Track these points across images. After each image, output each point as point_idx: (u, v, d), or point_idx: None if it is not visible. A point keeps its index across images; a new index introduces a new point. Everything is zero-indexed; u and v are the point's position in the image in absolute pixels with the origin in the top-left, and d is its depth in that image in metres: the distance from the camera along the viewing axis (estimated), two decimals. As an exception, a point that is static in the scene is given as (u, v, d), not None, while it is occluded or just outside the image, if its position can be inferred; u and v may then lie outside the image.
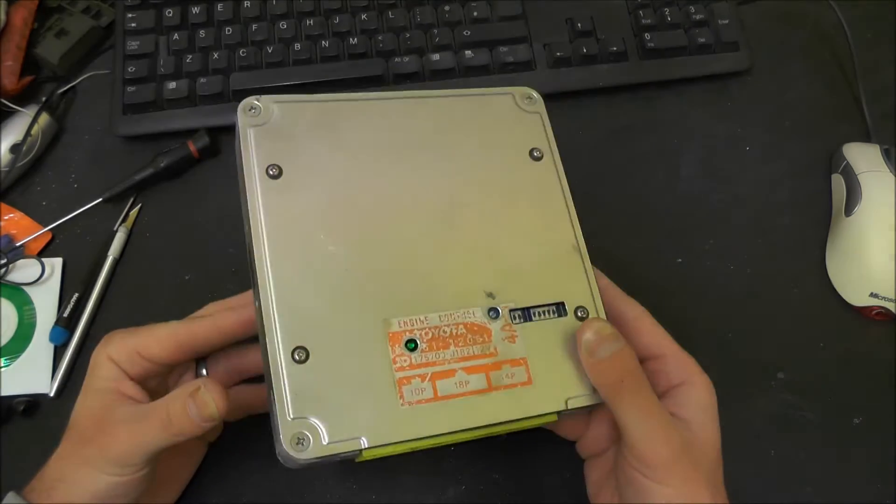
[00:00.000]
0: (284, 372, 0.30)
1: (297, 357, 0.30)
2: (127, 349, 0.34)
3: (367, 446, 0.29)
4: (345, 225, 0.33)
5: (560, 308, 0.34)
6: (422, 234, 0.34)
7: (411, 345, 0.32)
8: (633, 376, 0.31)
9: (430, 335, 0.32)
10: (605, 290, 0.35)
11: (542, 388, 0.32)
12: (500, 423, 0.32)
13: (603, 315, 0.34)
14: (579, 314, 0.34)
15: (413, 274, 0.33)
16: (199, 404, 0.31)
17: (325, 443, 0.29)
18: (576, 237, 0.35)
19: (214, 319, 0.35)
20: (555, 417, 0.33)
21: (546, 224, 0.35)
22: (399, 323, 0.32)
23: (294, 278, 0.32)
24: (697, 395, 0.32)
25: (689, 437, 0.31)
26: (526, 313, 0.33)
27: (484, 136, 0.37)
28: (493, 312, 0.33)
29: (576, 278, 0.34)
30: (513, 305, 0.33)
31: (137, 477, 0.32)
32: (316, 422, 0.29)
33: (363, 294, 0.32)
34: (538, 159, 0.37)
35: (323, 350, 0.31)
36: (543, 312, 0.34)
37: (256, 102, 0.35)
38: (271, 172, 0.33)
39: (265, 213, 0.32)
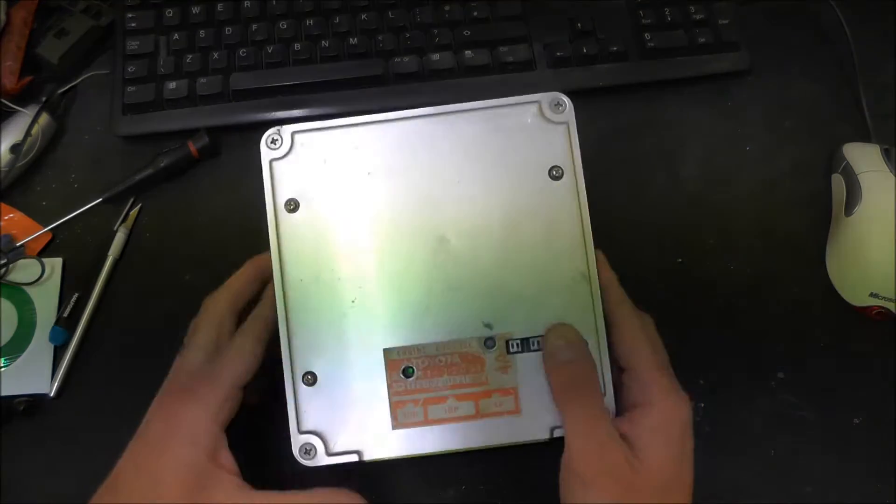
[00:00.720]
0: (296, 393, 0.35)
1: (306, 381, 0.35)
2: (226, 388, 0.34)
3: (362, 460, 0.34)
4: (355, 257, 0.35)
5: None
6: (427, 264, 0.35)
7: (409, 371, 0.35)
8: (586, 387, 0.32)
9: (426, 363, 0.35)
10: (605, 289, 0.35)
11: (528, 417, 0.34)
12: (482, 449, 0.34)
13: (605, 349, 0.34)
14: None
15: (416, 304, 0.35)
16: None
17: (327, 454, 0.34)
18: (588, 265, 0.35)
19: (267, 300, 0.36)
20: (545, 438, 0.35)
21: (557, 250, 0.35)
22: (398, 352, 0.35)
23: (305, 309, 0.35)
24: (652, 417, 0.32)
25: (634, 461, 0.31)
26: (524, 344, 0.35)
27: (501, 156, 0.36)
28: (490, 342, 0.35)
29: (581, 309, 0.35)
30: (511, 336, 0.35)
31: None
32: (321, 436, 0.34)
33: (367, 324, 0.35)
34: (557, 178, 0.36)
35: (329, 375, 0.35)
36: (541, 343, 0.35)
37: (277, 134, 0.36)
38: (289, 207, 0.36)
39: (282, 246, 0.36)
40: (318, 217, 0.36)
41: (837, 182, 0.47)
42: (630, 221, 0.47)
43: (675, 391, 0.32)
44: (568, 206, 0.35)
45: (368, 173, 0.36)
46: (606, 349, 0.34)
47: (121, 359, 0.42)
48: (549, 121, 0.36)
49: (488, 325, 0.35)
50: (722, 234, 0.46)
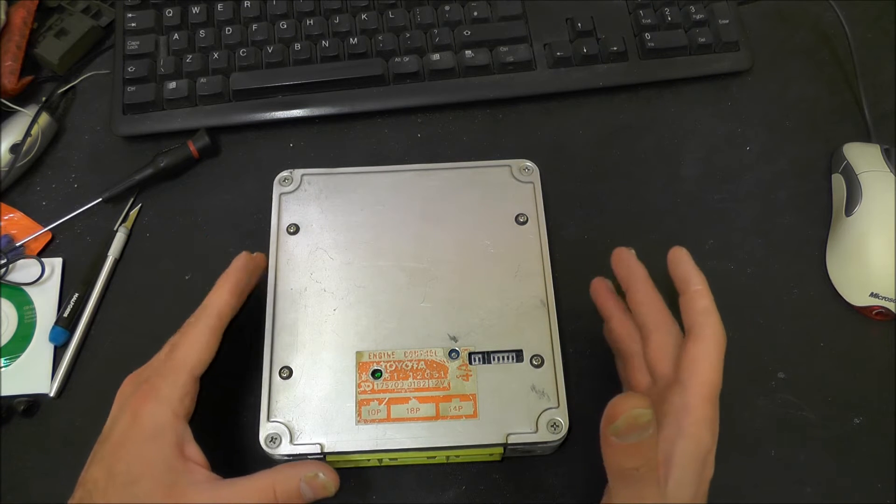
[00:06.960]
0: (270, 384, 0.37)
1: (282, 374, 0.38)
2: (183, 381, 0.34)
3: (325, 451, 0.36)
4: (341, 273, 0.40)
5: (518, 355, 0.38)
6: (404, 283, 0.40)
7: (377, 374, 0.38)
8: (647, 466, 0.29)
9: (394, 367, 0.38)
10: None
11: (485, 422, 0.37)
12: (440, 448, 0.36)
13: (559, 360, 0.38)
14: (534, 362, 0.38)
15: (389, 316, 0.39)
16: (316, 487, 0.33)
17: (291, 444, 0.36)
18: (546, 293, 0.40)
19: (225, 283, 0.38)
20: (500, 450, 0.37)
21: (520, 280, 0.40)
22: (369, 355, 0.38)
23: (291, 312, 0.39)
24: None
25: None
26: (486, 357, 0.38)
27: (476, 203, 0.42)
28: (454, 353, 0.38)
29: (538, 329, 0.39)
30: (474, 349, 0.38)
31: None
32: (288, 426, 0.36)
33: (344, 330, 0.39)
34: (523, 223, 0.42)
35: (303, 371, 0.38)
36: (502, 357, 0.38)
37: (288, 174, 0.43)
38: (290, 230, 0.42)
39: (279, 260, 0.41)
40: (314, 239, 0.41)
41: (837, 182, 0.47)
42: (630, 222, 0.47)
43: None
44: (531, 245, 0.41)
45: (362, 209, 0.42)
46: (561, 365, 0.38)
47: (121, 359, 0.42)
48: (517, 180, 0.43)
49: (454, 338, 0.39)
50: (722, 234, 0.46)
